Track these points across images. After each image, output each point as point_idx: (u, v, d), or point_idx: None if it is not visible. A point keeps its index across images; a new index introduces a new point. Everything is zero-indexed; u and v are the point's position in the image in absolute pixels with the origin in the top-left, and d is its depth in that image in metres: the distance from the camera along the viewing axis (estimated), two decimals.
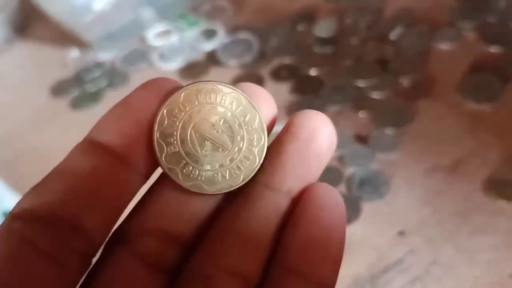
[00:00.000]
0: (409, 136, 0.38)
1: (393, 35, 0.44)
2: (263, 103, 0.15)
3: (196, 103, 0.14)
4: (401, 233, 0.33)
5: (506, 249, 0.31)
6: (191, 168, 0.14)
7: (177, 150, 0.14)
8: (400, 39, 0.44)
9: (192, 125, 0.14)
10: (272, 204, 0.14)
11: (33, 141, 0.44)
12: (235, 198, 0.15)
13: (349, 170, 0.37)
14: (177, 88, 0.14)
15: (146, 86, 0.14)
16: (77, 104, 0.45)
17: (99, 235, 0.13)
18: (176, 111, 0.14)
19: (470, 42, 0.42)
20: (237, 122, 0.14)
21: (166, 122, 0.14)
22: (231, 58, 0.46)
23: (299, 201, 0.14)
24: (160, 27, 0.50)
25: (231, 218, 0.14)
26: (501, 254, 0.31)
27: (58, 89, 0.47)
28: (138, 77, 0.47)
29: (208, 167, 0.14)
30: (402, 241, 0.33)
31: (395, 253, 0.32)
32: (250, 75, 0.45)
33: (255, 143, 0.14)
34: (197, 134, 0.14)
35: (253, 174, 0.14)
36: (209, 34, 0.48)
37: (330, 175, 0.36)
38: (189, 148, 0.14)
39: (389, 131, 0.38)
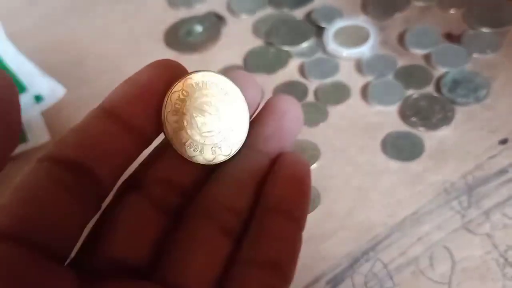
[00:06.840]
0: (510, 37, 0.32)
1: None
2: (250, 87, 0.18)
3: (195, 89, 0.17)
4: (504, 142, 0.28)
5: None
6: (194, 144, 0.17)
7: (182, 129, 0.17)
8: None
9: (192, 108, 0.17)
10: (256, 161, 0.18)
11: (70, 29, 0.39)
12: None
13: (439, 71, 0.31)
14: (180, 72, 0.17)
15: (154, 66, 0.17)
16: None
17: (108, 183, 0.16)
18: (179, 96, 0.17)
19: None
20: (227, 104, 0.17)
21: (172, 106, 0.17)
22: None
23: (276, 162, 0.18)
24: None
25: (226, 169, 0.18)
26: None
27: None
28: None
29: (207, 142, 0.17)
30: (504, 150, 0.28)
31: (497, 163, 0.27)
32: None
33: (241, 122, 0.17)
34: (197, 116, 0.17)
35: (240, 146, 0.18)
36: None
37: (417, 74, 0.31)
38: (190, 126, 0.17)
39: (486, 30, 0.33)
